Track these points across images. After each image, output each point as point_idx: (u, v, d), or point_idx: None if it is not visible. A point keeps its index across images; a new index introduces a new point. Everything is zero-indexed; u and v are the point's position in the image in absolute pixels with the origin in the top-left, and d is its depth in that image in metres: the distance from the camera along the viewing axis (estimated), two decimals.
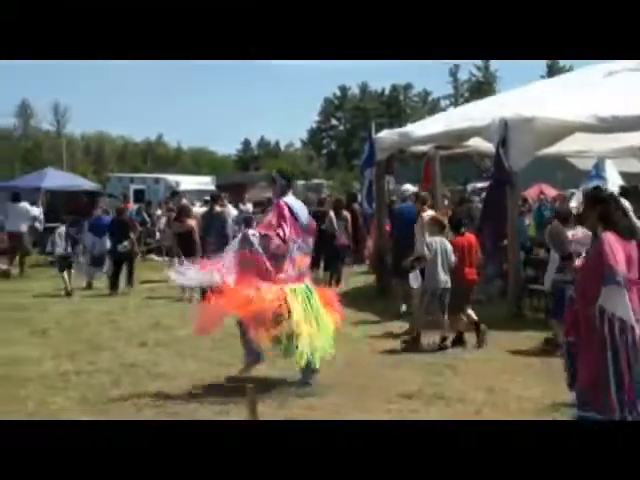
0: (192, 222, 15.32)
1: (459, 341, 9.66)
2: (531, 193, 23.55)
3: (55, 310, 13.04)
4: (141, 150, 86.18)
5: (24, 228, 19.49)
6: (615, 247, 5.24)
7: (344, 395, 7.43)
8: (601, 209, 5.50)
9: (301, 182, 45.08)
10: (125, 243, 15.44)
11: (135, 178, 34.25)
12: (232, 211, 19.06)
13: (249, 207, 23.66)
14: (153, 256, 21.34)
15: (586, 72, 14.23)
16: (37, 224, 21.07)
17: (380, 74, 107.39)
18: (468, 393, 7.46)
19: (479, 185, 24.89)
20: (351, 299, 13.61)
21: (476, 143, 14.16)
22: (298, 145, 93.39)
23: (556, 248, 9.19)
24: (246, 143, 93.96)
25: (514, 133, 11.15)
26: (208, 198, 17.38)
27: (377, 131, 14.94)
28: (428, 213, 11.79)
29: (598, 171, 18.76)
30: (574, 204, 15.64)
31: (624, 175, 19.17)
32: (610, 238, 5.29)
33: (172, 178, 32.81)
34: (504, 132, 11.19)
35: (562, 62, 70.17)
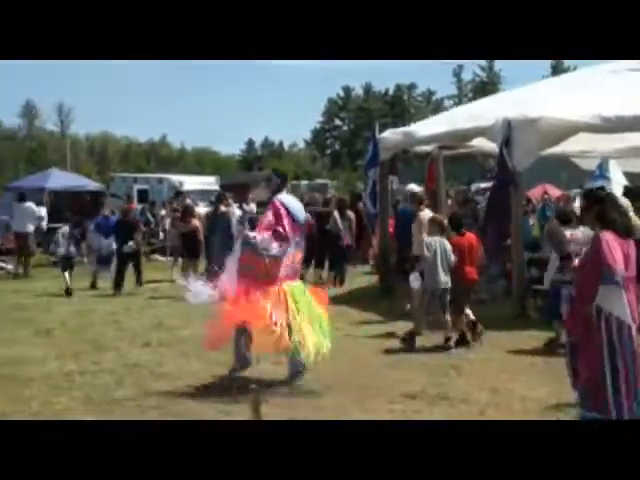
0: (196, 222, 15.34)
1: (462, 341, 9.66)
2: (535, 193, 23.51)
3: (59, 310, 13.05)
4: (145, 150, 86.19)
5: (30, 228, 19.52)
6: (613, 246, 5.24)
7: (348, 395, 7.43)
8: (598, 208, 5.51)
9: (305, 182, 45.12)
10: (130, 243, 15.45)
11: (139, 178, 34.28)
12: (236, 211, 19.08)
13: (253, 207, 23.66)
14: (157, 256, 21.34)
15: (590, 72, 14.21)
16: (43, 223, 21.14)
17: (384, 74, 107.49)
18: (472, 393, 7.45)
19: (483, 185, 24.83)
20: (355, 299, 13.66)
21: (480, 143, 14.15)
22: (302, 145, 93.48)
23: (554, 248, 9.20)
24: (250, 143, 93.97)
25: (518, 133, 11.14)
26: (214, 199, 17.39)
27: (381, 131, 14.93)
28: (425, 212, 11.80)
29: (602, 171, 18.72)
30: (578, 204, 15.62)
31: (628, 175, 19.12)
32: (608, 237, 5.29)
33: (176, 178, 32.82)
34: (508, 132, 11.17)
35: (566, 62, 70.06)
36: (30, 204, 20.10)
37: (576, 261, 7.41)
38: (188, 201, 20.19)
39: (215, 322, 7.64)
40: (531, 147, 11.29)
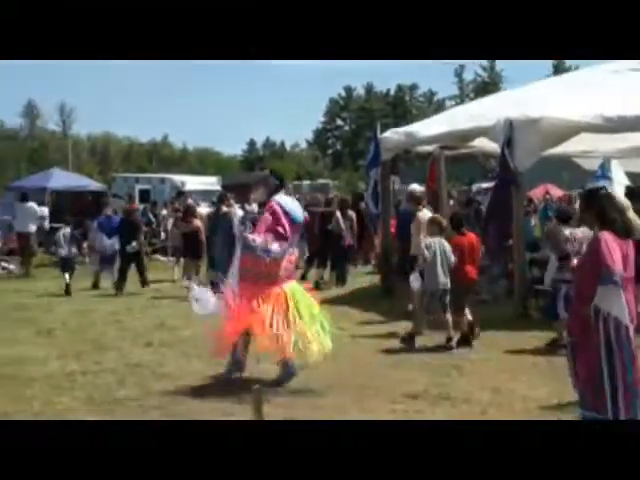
0: (198, 222, 15.35)
1: (464, 341, 9.66)
2: (537, 193, 23.55)
3: (60, 310, 13.07)
4: (147, 150, 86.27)
5: (32, 228, 19.55)
6: (612, 246, 5.23)
7: (349, 395, 7.43)
8: (597, 209, 5.50)
9: (307, 182, 45.14)
10: (134, 244, 15.45)
11: (140, 178, 34.27)
12: (238, 211, 19.07)
13: (254, 207, 23.63)
14: (158, 256, 21.36)
15: (592, 72, 14.20)
16: (45, 223, 21.17)
17: (385, 74, 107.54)
18: (474, 393, 7.45)
19: (484, 185, 24.87)
20: (356, 299, 13.67)
21: (481, 143, 14.15)
22: (303, 145, 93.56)
23: (553, 248, 9.20)
24: (252, 143, 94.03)
25: (519, 133, 11.14)
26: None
27: (382, 131, 14.92)
28: (424, 212, 11.81)
29: (604, 171, 18.71)
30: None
31: (630, 175, 19.11)
32: (607, 237, 5.28)
33: (178, 178, 32.82)
34: (509, 132, 11.17)
35: (568, 62, 70.07)
36: (32, 204, 20.12)
37: (575, 261, 7.42)
38: (190, 201, 20.20)
39: (219, 332, 7.66)
40: (533, 147, 11.29)
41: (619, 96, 11.59)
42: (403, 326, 10.30)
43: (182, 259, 16.19)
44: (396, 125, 19.09)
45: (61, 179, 26.90)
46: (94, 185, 28.95)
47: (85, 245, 18.88)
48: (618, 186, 16.69)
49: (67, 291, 15.01)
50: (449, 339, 9.53)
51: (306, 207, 20.00)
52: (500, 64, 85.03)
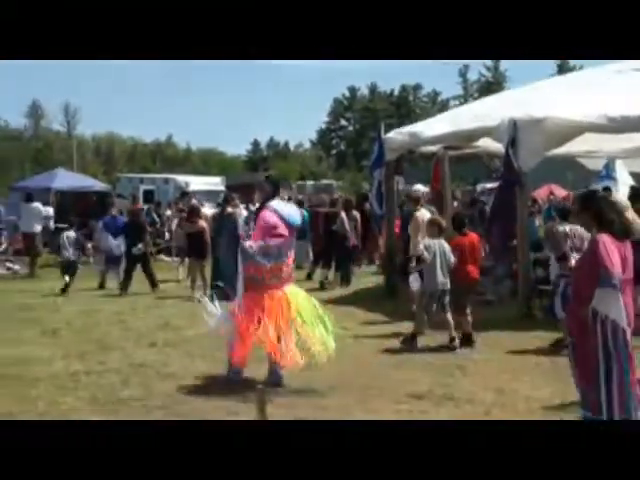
0: (203, 223, 15.36)
1: (467, 341, 9.66)
2: (541, 193, 23.53)
3: (65, 310, 13.09)
4: (150, 151, 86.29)
5: (38, 229, 19.60)
6: (610, 248, 5.21)
7: (353, 395, 7.44)
8: (595, 210, 5.49)
9: (310, 183, 45.15)
10: (140, 246, 15.46)
11: (145, 179, 34.27)
12: (243, 212, 19.08)
13: None
14: (163, 256, 21.38)
15: (596, 72, 14.19)
16: (50, 223, 21.21)
17: (389, 75, 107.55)
18: (477, 394, 7.46)
19: (488, 185, 24.83)
20: (360, 299, 13.68)
21: (485, 143, 14.15)
22: (307, 146, 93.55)
23: (551, 248, 9.21)
24: (255, 144, 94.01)
25: (524, 133, 11.13)
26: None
27: (386, 132, 14.92)
28: (422, 212, 11.81)
29: (608, 171, 18.71)
30: None
31: (634, 175, 19.11)
32: (605, 239, 5.26)
33: (182, 179, 32.81)
34: (513, 132, 11.17)
35: (572, 62, 69.99)
36: (37, 204, 20.16)
37: (573, 260, 7.41)
38: (194, 201, 20.22)
39: (235, 346, 7.76)
40: (537, 147, 11.29)
41: (623, 96, 11.58)
42: (407, 326, 10.29)
43: (186, 259, 16.21)
44: (400, 125, 19.06)
45: (65, 179, 26.94)
46: (98, 185, 28.98)
47: (90, 245, 18.91)
48: (623, 186, 16.70)
49: (64, 290, 15.03)
50: (452, 339, 9.53)
51: (310, 207, 20.08)
52: (504, 64, 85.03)
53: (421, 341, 9.69)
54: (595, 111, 10.98)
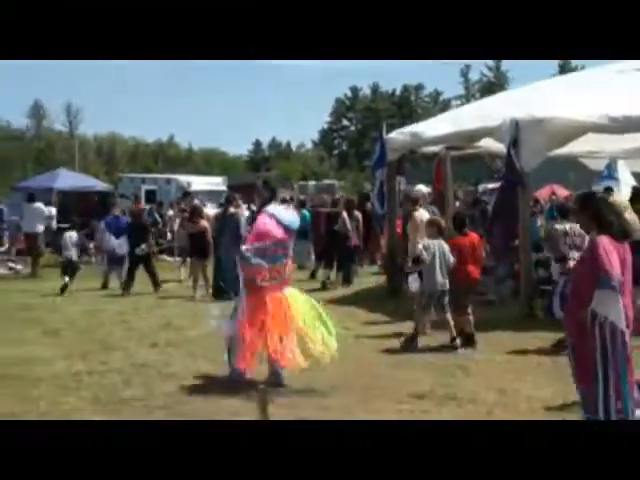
0: (205, 223, 15.37)
1: (468, 341, 9.65)
2: (543, 194, 23.48)
3: (67, 310, 13.09)
4: (152, 151, 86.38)
5: (40, 229, 19.60)
6: (609, 250, 5.21)
7: (355, 395, 7.44)
8: (593, 211, 5.48)
9: (312, 183, 45.12)
10: (143, 246, 15.46)
11: (147, 179, 34.30)
12: (245, 212, 19.10)
13: None
14: (165, 256, 21.39)
15: (597, 72, 14.18)
16: (53, 223, 21.21)
17: (391, 75, 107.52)
18: (479, 394, 7.45)
19: (490, 186, 24.81)
20: (362, 299, 13.67)
21: (487, 144, 14.14)
22: (309, 146, 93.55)
23: (550, 249, 9.21)
24: (257, 144, 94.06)
25: (525, 134, 11.13)
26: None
27: (388, 132, 14.92)
28: (420, 212, 11.80)
29: (610, 172, 18.71)
30: None
31: (636, 175, 19.10)
32: (604, 241, 5.26)
33: (183, 179, 32.84)
34: (515, 133, 11.16)
35: (574, 62, 69.95)
36: (39, 204, 20.17)
37: (571, 263, 7.41)
38: (196, 201, 20.23)
39: (242, 354, 7.73)
40: (539, 147, 11.28)
41: (625, 96, 11.58)
42: (409, 326, 10.29)
43: (188, 259, 16.22)
44: (402, 125, 19.04)
45: (67, 179, 26.94)
46: (100, 185, 28.98)
47: (92, 245, 18.91)
48: (625, 186, 16.69)
49: (63, 290, 15.03)
50: (453, 339, 9.53)
51: (312, 207, 20.08)
52: (506, 64, 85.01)
53: (422, 341, 9.68)
54: (597, 111, 10.97)
